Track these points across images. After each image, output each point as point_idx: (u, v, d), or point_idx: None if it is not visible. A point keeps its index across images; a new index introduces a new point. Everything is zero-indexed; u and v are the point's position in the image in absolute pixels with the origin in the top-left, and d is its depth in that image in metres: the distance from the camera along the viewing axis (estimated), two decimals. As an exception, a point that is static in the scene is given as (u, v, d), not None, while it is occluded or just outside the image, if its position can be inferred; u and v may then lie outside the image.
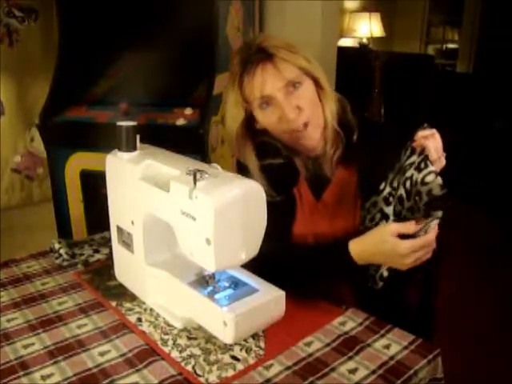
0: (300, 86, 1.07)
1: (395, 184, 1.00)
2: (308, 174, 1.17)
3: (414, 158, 0.96)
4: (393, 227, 0.96)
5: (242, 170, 1.16)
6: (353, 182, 1.15)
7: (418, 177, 0.94)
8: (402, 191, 0.98)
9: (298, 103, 1.06)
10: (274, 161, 1.15)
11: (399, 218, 0.99)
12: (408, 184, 0.96)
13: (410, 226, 0.95)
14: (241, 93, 1.09)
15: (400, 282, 1.19)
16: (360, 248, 1.00)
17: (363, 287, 1.05)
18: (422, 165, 0.94)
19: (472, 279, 2.72)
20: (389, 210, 1.00)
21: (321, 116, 1.11)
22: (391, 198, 1.00)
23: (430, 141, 0.95)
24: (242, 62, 1.08)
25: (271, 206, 0.89)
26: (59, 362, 0.89)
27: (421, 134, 0.97)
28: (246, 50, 1.09)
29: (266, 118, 1.10)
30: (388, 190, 1.01)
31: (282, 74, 1.05)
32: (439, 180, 0.92)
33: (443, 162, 0.98)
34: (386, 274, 1.00)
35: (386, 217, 1.01)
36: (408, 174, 0.96)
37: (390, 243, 0.95)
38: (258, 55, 1.06)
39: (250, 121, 1.13)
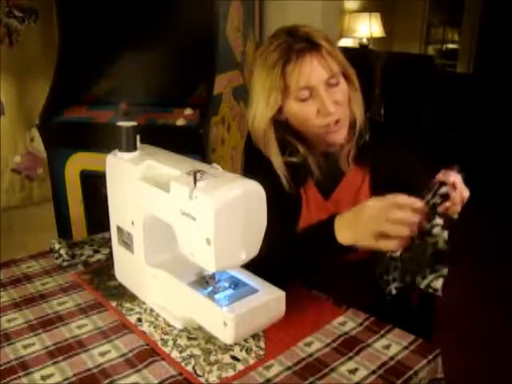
0: (339, 81, 1.07)
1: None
2: (320, 173, 1.16)
3: (428, 198, 0.94)
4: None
5: (253, 157, 1.16)
6: (365, 182, 1.16)
7: (427, 226, 0.93)
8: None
9: (336, 98, 1.07)
10: (289, 159, 1.14)
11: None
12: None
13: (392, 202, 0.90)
14: (283, 80, 1.05)
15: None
16: (344, 224, 0.96)
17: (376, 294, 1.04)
18: (431, 216, 0.92)
19: (472, 279, 2.72)
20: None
21: (349, 114, 1.11)
22: None
23: (452, 192, 0.92)
24: (282, 48, 1.04)
25: (276, 204, 0.89)
26: (59, 363, 0.89)
27: (443, 177, 0.93)
28: (287, 37, 1.05)
29: (302, 110, 1.07)
30: None
31: (329, 65, 1.04)
32: (445, 235, 0.92)
33: (458, 209, 0.95)
34: (394, 291, 1.00)
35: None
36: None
37: (370, 206, 0.91)
38: (302, 44, 1.04)
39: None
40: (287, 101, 1.08)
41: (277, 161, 1.12)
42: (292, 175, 1.14)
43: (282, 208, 0.90)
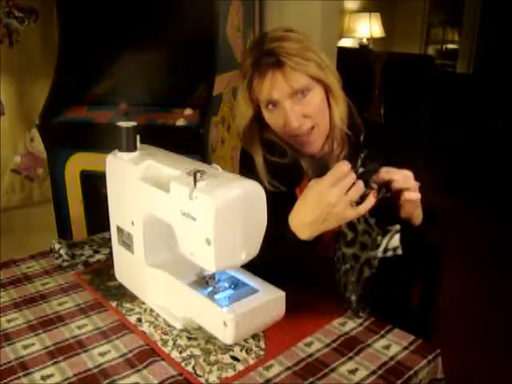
0: (308, 94, 1.07)
1: None
2: (314, 174, 1.17)
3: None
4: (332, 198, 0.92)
5: (247, 157, 1.18)
6: None
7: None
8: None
9: (304, 111, 1.08)
10: (281, 160, 1.16)
11: (351, 246, 0.99)
12: None
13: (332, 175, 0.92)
14: (250, 92, 1.11)
15: (401, 283, 1.19)
16: (296, 216, 0.97)
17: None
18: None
19: (472, 279, 2.72)
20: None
21: (327, 121, 1.12)
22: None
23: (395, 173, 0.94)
24: (253, 62, 1.08)
25: (272, 202, 0.89)
26: (59, 363, 0.89)
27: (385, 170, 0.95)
28: (258, 49, 1.08)
29: (272, 120, 1.12)
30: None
31: (289, 82, 1.05)
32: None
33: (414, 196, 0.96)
34: (354, 300, 1.00)
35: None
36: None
37: (327, 191, 0.91)
38: (268, 59, 1.05)
39: (258, 113, 1.14)
40: (262, 109, 1.12)
41: (259, 162, 1.15)
42: (285, 175, 1.15)
43: (274, 208, 0.90)
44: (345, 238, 0.99)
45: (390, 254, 0.95)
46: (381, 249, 0.95)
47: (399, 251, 0.95)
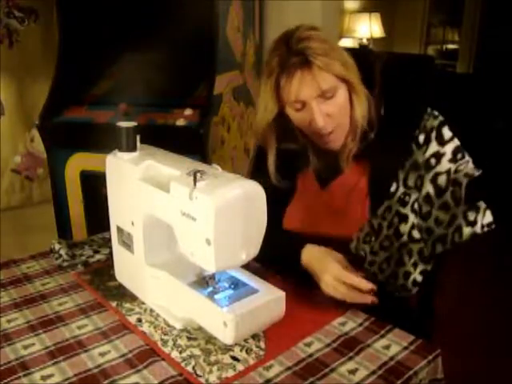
0: (334, 94, 1.08)
1: (411, 183, 0.97)
2: (319, 163, 1.19)
3: (436, 148, 0.93)
4: (337, 270, 1.00)
5: (262, 153, 1.21)
6: (364, 178, 1.16)
7: (453, 167, 0.91)
8: (428, 189, 0.94)
9: (328, 111, 1.08)
10: (290, 145, 1.18)
11: (426, 219, 0.96)
12: (442, 179, 0.93)
13: (352, 277, 0.99)
14: (277, 91, 1.10)
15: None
16: (307, 258, 1.07)
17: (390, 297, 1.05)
18: (459, 155, 0.91)
19: (472, 280, 2.72)
20: (406, 210, 0.97)
21: (348, 119, 1.13)
22: (407, 198, 0.97)
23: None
24: (280, 61, 1.07)
25: (276, 194, 0.91)
26: (59, 363, 0.89)
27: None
28: (285, 49, 1.07)
29: (297, 118, 1.12)
30: (402, 190, 0.98)
31: (318, 83, 1.05)
32: (471, 164, 0.92)
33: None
34: (419, 278, 0.99)
35: (404, 218, 0.97)
36: (439, 169, 0.93)
37: (331, 272, 1.01)
38: (296, 58, 1.05)
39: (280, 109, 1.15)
40: (286, 107, 1.12)
41: (271, 158, 1.17)
42: (290, 161, 1.18)
43: (274, 196, 0.92)
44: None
45: (485, 229, 0.95)
46: (478, 224, 0.95)
47: (493, 226, 0.95)
